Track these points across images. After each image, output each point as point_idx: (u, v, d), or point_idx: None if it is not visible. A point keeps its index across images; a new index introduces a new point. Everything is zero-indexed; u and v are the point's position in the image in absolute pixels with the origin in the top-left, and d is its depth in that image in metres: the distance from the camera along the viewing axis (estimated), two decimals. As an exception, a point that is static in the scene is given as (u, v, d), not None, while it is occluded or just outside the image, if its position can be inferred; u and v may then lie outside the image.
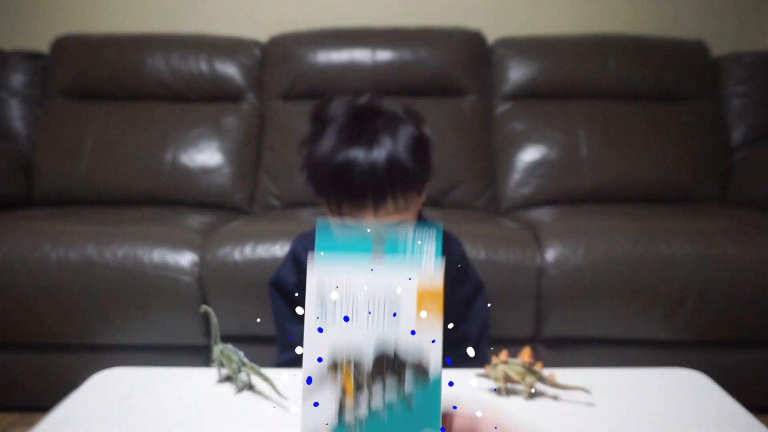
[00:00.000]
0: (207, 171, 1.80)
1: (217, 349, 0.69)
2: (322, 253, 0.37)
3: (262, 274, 1.26)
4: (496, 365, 0.66)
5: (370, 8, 2.10)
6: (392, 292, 0.36)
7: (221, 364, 0.69)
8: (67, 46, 1.93)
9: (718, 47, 2.01)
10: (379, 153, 0.78)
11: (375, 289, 0.36)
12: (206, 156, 1.81)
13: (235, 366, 0.67)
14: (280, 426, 0.60)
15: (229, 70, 1.90)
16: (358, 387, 0.35)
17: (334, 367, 0.36)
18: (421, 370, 0.35)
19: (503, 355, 0.66)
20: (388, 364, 0.35)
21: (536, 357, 0.66)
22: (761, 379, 1.34)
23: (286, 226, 1.39)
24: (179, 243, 1.33)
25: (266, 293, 1.01)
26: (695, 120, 1.85)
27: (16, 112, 1.92)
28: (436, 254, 0.37)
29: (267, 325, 1.31)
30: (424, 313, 0.36)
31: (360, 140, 0.79)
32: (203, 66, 1.89)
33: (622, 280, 1.26)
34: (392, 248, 0.37)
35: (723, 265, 1.26)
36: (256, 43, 1.97)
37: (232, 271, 1.28)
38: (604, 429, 0.59)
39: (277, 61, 1.91)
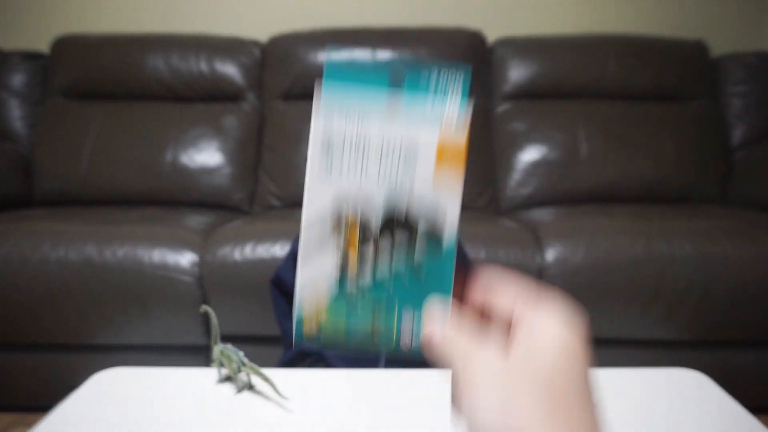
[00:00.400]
0: (207, 171, 1.80)
1: (217, 349, 0.69)
2: (328, 89, 0.32)
3: (262, 274, 1.26)
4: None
5: (370, 8, 2.10)
6: (409, 141, 0.31)
7: (221, 364, 0.69)
8: (67, 46, 1.94)
9: (718, 47, 2.01)
10: None
11: (390, 135, 0.31)
12: (206, 156, 1.81)
13: (235, 366, 0.67)
14: (280, 426, 0.60)
15: (229, 70, 1.90)
16: (363, 250, 0.31)
17: (338, 223, 0.31)
18: (434, 236, 0.31)
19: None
20: (398, 226, 0.31)
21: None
22: (761, 379, 1.34)
23: (286, 226, 1.39)
24: (179, 243, 1.33)
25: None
26: (695, 120, 1.85)
27: (16, 112, 1.92)
28: (462, 99, 0.31)
29: (267, 325, 1.32)
30: (443, 170, 0.31)
31: None
32: (203, 66, 1.89)
33: (622, 280, 1.26)
34: (413, 86, 0.32)
35: (723, 265, 1.26)
36: (256, 43, 1.97)
37: (232, 271, 1.28)
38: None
39: (277, 61, 1.91)
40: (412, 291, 0.31)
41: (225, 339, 0.70)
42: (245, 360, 0.67)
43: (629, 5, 2.11)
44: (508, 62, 1.91)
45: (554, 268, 1.27)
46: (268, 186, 1.83)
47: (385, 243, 0.31)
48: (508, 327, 0.29)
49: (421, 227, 0.31)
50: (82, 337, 1.32)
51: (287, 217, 1.57)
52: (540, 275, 1.28)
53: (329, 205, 0.31)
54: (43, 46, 1.99)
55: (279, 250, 1.29)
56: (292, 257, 0.96)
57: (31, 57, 1.97)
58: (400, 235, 0.31)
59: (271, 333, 1.32)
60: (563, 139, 1.81)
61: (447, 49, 1.88)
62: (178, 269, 1.29)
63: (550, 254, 1.29)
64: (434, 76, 0.31)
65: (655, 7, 2.10)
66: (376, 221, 0.31)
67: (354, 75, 0.31)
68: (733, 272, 1.26)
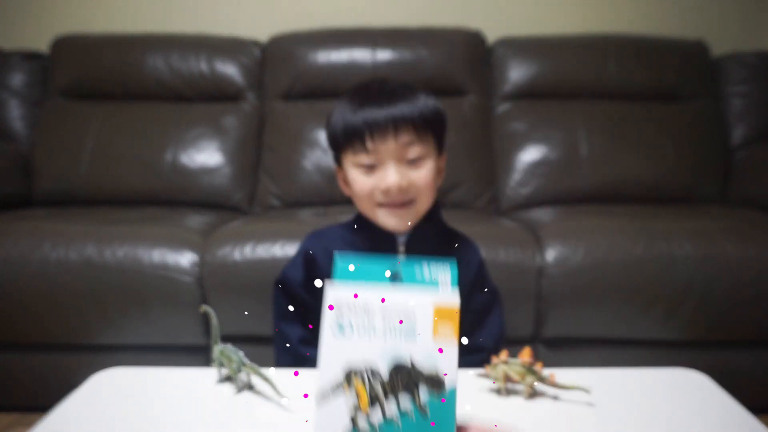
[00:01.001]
0: (207, 171, 1.80)
1: (217, 349, 0.69)
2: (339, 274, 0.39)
3: (262, 274, 1.26)
4: (496, 365, 0.66)
5: (370, 8, 2.10)
6: (408, 308, 0.38)
7: (221, 364, 0.69)
8: (66, 46, 1.94)
9: (719, 47, 2.01)
10: (396, 83, 0.87)
11: (392, 304, 0.38)
12: (206, 156, 1.81)
13: (235, 366, 0.67)
14: (280, 426, 0.60)
15: (229, 70, 1.90)
16: (373, 396, 0.36)
17: (349, 376, 0.37)
18: (436, 382, 0.37)
19: (503, 355, 0.66)
20: (404, 375, 0.36)
21: (536, 357, 0.66)
22: (761, 379, 1.34)
23: (286, 226, 1.39)
24: (179, 243, 1.33)
25: (268, 292, 1.00)
26: (695, 120, 1.85)
27: (15, 112, 1.92)
28: (452, 284, 0.40)
29: (267, 325, 1.32)
30: (440, 326, 0.37)
31: (380, 91, 0.85)
32: (203, 66, 1.89)
33: (622, 280, 1.26)
34: (409, 279, 0.40)
35: (723, 265, 1.26)
36: (256, 43, 1.97)
37: (232, 271, 1.28)
38: (603, 429, 0.59)
39: (277, 61, 1.91)
40: (419, 427, 0.36)
41: (225, 339, 0.70)
42: (245, 360, 0.67)
43: (629, 5, 2.11)
44: (508, 62, 1.91)
45: (554, 268, 1.27)
46: (268, 186, 1.83)
47: (393, 385, 0.36)
48: None
49: (425, 374, 0.37)
50: (82, 337, 1.32)
51: (287, 217, 1.57)
52: (540, 275, 1.28)
53: (341, 363, 0.37)
54: (43, 46, 1.99)
55: (279, 250, 1.29)
56: (303, 255, 0.93)
57: (31, 57, 1.97)
58: (406, 380, 0.36)
59: (271, 333, 1.32)
60: (563, 139, 1.81)
61: (447, 49, 1.88)
62: (178, 269, 1.29)
63: (550, 254, 1.29)
64: (426, 269, 0.40)
65: (655, 7, 2.10)
66: (383, 374, 0.37)
67: (359, 272, 0.40)
68: (733, 272, 1.26)
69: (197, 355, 1.35)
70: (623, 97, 1.88)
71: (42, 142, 1.85)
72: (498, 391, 0.66)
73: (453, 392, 0.36)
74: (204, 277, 1.29)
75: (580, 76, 1.88)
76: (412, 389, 0.36)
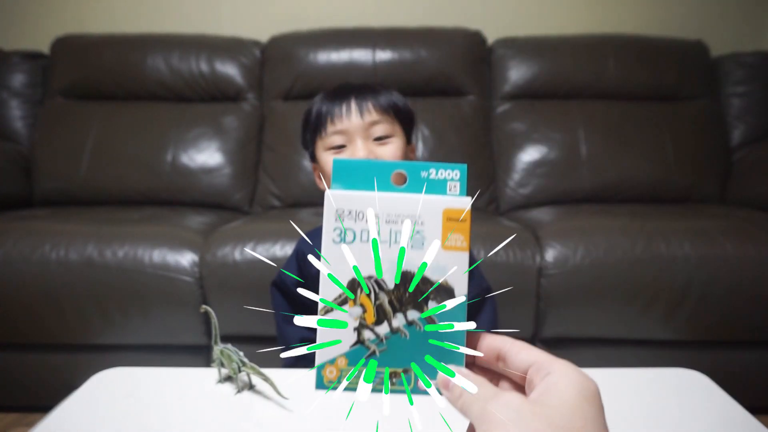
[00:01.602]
0: (207, 171, 1.80)
1: (217, 349, 0.69)
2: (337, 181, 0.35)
3: (262, 274, 1.26)
4: (496, 365, 0.66)
5: (370, 8, 2.10)
6: (415, 211, 0.34)
7: (221, 364, 0.69)
8: (67, 46, 1.94)
9: (718, 47, 2.01)
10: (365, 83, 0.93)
11: (396, 207, 0.34)
12: (206, 156, 1.81)
13: (235, 366, 0.67)
14: (280, 426, 0.60)
15: (230, 70, 1.90)
16: (378, 305, 0.34)
17: (353, 284, 0.34)
18: (445, 290, 0.34)
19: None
20: (415, 289, 0.34)
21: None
22: (761, 379, 1.34)
23: (286, 226, 1.39)
24: (179, 243, 1.33)
25: (268, 293, 1.01)
26: (695, 120, 1.86)
27: (16, 112, 1.92)
28: (461, 191, 0.36)
29: (267, 325, 1.32)
30: (450, 231, 0.34)
31: (347, 86, 0.91)
32: (203, 66, 1.89)
33: (622, 280, 1.26)
34: (414, 186, 0.36)
35: (723, 265, 1.26)
36: (256, 43, 1.97)
37: (232, 271, 1.28)
38: (604, 429, 0.59)
39: (277, 61, 1.91)
40: (427, 339, 0.34)
41: (225, 339, 0.70)
42: (245, 360, 0.67)
43: (629, 5, 2.11)
44: (508, 62, 1.91)
45: (554, 268, 1.28)
46: (268, 186, 1.83)
47: (400, 296, 0.34)
48: (518, 384, 0.31)
49: (434, 282, 0.34)
50: (82, 337, 1.32)
51: (287, 217, 1.57)
52: (540, 275, 1.28)
53: (345, 271, 0.34)
54: (43, 46, 1.99)
55: (279, 250, 1.29)
56: (294, 256, 0.96)
57: (31, 57, 1.97)
58: (414, 289, 0.34)
59: (271, 333, 1.32)
60: (563, 139, 1.81)
61: (447, 49, 1.88)
62: (178, 269, 1.29)
63: (550, 254, 1.29)
64: (433, 171, 0.36)
65: (655, 7, 2.10)
66: (390, 277, 0.34)
67: (360, 176, 0.35)
68: (732, 272, 1.26)
69: (197, 355, 1.35)
70: (623, 97, 1.88)
71: (42, 142, 1.85)
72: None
73: (463, 303, 0.34)
74: (204, 277, 1.29)
75: (580, 76, 1.88)
76: (419, 299, 0.33)
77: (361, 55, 1.87)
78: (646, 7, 2.11)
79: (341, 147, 0.87)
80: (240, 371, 0.67)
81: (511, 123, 1.87)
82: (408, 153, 0.93)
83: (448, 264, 0.34)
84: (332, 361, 0.35)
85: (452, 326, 0.34)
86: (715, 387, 0.69)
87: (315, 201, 1.77)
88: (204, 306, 0.77)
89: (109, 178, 1.78)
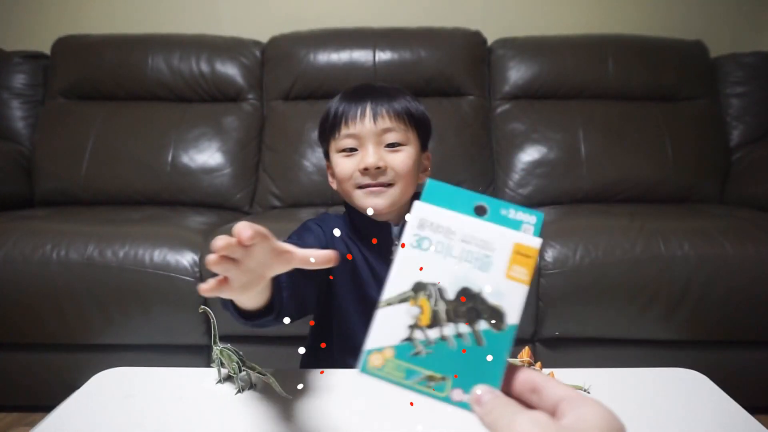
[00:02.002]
0: (207, 171, 1.80)
1: (217, 349, 0.69)
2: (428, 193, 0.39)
3: (263, 274, 1.26)
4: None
5: (370, 8, 2.10)
6: (489, 239, 0.37)
7: (221, 364, 0.69)
8: (67, 46, 1.94)
9: (717, 48, 2.01)
10: (384, 85, 0.92)
11: (474, 232, 0.37)
12: (206, 156, 1.81)
13: (235, 366, 0.67)
14: (280, 425, 0.60)
15: (230, 70, 1.90)
16: (435, 311, 0.36)
17: (417, 289, 0.37)
18: (498, 315, 0.36)
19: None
20: (470, 299, 0.36)
21: (535, 357, 0.66)
22: (761, 379, 1.34)
23: (286, 226, 1.39)
24: (180, 243, 1.33)
25: None
26: (694, 120, 1.86)
27: (17, 112, 1.92)
28: (536, 232, 0.38)
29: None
30: (516, 264, 0.37)
31: (366, 88, 0.90)
32: (204, 66, 1.89)
33: (622, 279, 1.26)
34: (495, 215, 0.38)
35: (722, 264, 1.26)
36: (256, 44, 1.97)
37: (232, 271, 1.28)
38: (603, 429, 0.59)
39: (277, 61, 1.91)
40: (471, 354, 0.36)
41: (225, 339, 0.71)
42: (245, 359, 0.67)
43: (629, 6, 2.11)
44: (507, 62, 1.91)
45: (554, 268, 1.28)
46: (268, 186, 1.83)
47: (456, 308, 0.36)
48: (550, 411, 0.32)
49: (489, 304, 0.36)
50: (82, 337, 1.32)
51: (287, 217, 1.57)
52: (539, 275, 1.28)
53: (414, 270, 0.37)
54: (44, 46, 1.99)
55: (279, 250, 1.29)
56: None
57: (32, 57, 1.97)
58: (471, 306, 0.36)
59: (270, 333, 1.33)
60: (563, 139, 1.81)
61: (447, 50, 1.89)
62: (178, 269, 1.29)
63: (550, 254, 1.29)
64: (513, 210, 0.38)
65: (655, 7, 2.10)
66: (451, 293, 0.37)
67: (448, 197, 0.39)
68: (732, 272, 1.26)
69: (197, 355, 1.35)
70: (623, 97, 1.88)
71: (43, 142, 1.86)
72: (497, 391, 0.67)
73: (513, 328, 0.36)
74: (204, 277, 1.29)
75: (579, 76, 1.88)
76: (473, 316, 0.36)
77: (361, 55, 1.88)
78: (646, 7, 2.11)
79: (352, 150, 0.86)
80: (240, 371, 0.67)
81: (511, 123, 1.87)
82: (423, 161, 0.92)
83: (507, 292, 0.36)
84: (380, 349, 0.37)
85: (500, 354, 0.36)
86: (714, 387, 0.69)
87: (315, 201, 1.77)
88: (203, 306, 0.77)
89: (110, 178, 1.79)
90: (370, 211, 0.84)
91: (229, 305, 0.63)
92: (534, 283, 1.28)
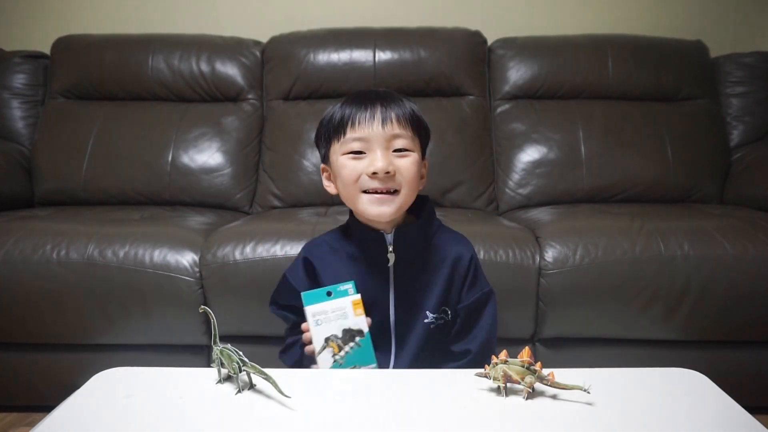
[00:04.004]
0: (207, 171, 1.80)
1: (217, 349, 0.69)
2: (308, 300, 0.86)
3: (262, 274, 1.26)
4: (495, 365, 0.66)
5: (370, 8, 2.10)
6: (340, 305, 0.85)
7: (221, 364, 0.69)
8: (67, 46, 1.94)
9: (717, 48, 2.01)
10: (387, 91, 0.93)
11: (334, 306, 0.85)
12: (207, 156, 1.81)
13: (235, 366, 0.67)
14: (281, 425, 0.60)
15: (230, 70, 1.90)
16: (339, 345, 0.83)
17: (327, 340, 0.84)
18: (360, 331, 0.84)
19: (503, 354, 0.67)
20: (349, 334, 0.84)
21: (535, 357, 0.66)
22: (760, 379, 1.34)
23: (286, 226, 1.40)
24: (180, 243, 1.33)
25: (267, 291, 1.01)
26: (694, 120, 1.86)
27: (17, 112, 1.92)
28: (354, 292, 0.86)
29: (267, 325, 1.32)
30: (356, 309, 0.85)
31: (373, 93, 0.91)
32: (204, 66, 1.89)
33: (621, 279, 1.26)
34: (336, 292, 0.86)
35: (722, 264, 1.26)
36: (256, 43, 1.97)
37: (232, 271, 1.28)
38: (603, 429, 0.59)
39: (277, 61, 1.92)
40: (359, 351, 0.84)
41: (225, 339, 0.71)
42: (245, 359, 0.67)
43: (629, 6, 2.11)
44: (507, 62, 1.91)
45: (554, 268, 1.28)
46: (268, 186, 1.83)
47: (344, 339, 0.84)
48: None
49: (356, 332, 0.84)
50: (83, 336, 1.32)
51: (287, 217, 1.57)
52: (539, 275, 1.28)
53: (321, 334, 0.84)
54: (44, 46, 1.99)
55: (279, 250, 1.29)
56: (302, 263, 0.97)
57: (32, 57, 1.97)
58: (349, 335, 0.84)
59: (271, 333, 1.33)
60: (563, 139, 1.81)
61: (447, 49, 1.89)
62: (178, 269, 1.29)
63: (550, 254, 1.29)
64: (341, 286, 0.86)
65: (654, 7, 2.10)
66: (340, 332, 0.84)
67: (315, 294, 0.86)
68: (731, 272, 1.26)
69: (198, 355, 1.36)
70: (623, 97, 1.88)
71: (43, 142, 1.86)
72: (497, 391, 0.67)
73: (368, 334, 0.84)
74: (204, 277, 1.29)
75: (579, 76, 1.88)
76: (352, 338, 0.83)
77: (361, 55, 1.88)
78: (646, 7, 2.11)
79: (359, 153, 0.86)
80: (240, 371, 0.67)
81: (511, 123, 1.87)
82: (421, 168, 0.92)
83: (359, 321, 0.85)
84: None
85: (368, 346, 0.85)
86: (713, 387, 0.69)
87: (315, 201, 1.77)
88: (203, 306, 0.77)
89: (110, 178, 1.79)
90: (373, 213, 0.87)
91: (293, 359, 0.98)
92: (534, 283, 1.28)
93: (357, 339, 0.81)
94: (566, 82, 1.88)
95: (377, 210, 0.86)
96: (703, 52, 1.94)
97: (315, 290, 0.84)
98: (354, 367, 0.82)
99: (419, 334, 0.92)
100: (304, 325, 0.86)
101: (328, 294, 0.84)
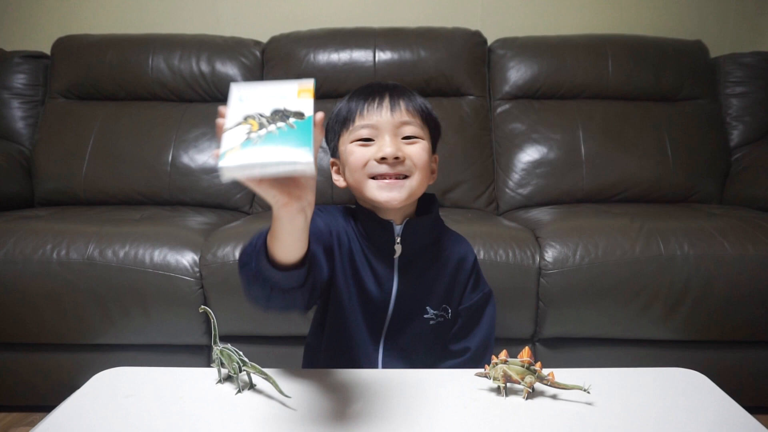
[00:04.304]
0: (207, 171, 1.80)
1: (217, 349, 0.69)
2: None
3: (263, 274, 1.26)
4: (495, 365, 0.66)
5: (370, 8, 2.10)
6: (283, 90, 0.60)
7: (221, 364, 0.69)
8: (68, 46, 1.94)
9: (717, 48, 2.01)
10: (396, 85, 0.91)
11: (274, 91, 0.60)
12: (207, 156, 1.81)
13: (235, 366, 0.67)
14: (281, 425, 0.60)
15: (230, 70, 1.90)
16: (260, 123, 0.57)
17: (246, 118, 0.57)
18: (299, 113, 0.57)
19: (503, 354, 0.67)
20: (281, 113, 0.58)
21: (535, 357, 0.66)
22: (760, 379, 1.34)
23: (286, 226, 1.39)
24: (180, 243, 1.33)
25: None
26: (694, 120, 1.86)
27: (17, 112, 1.92)
28: (311, 85, 0.60)
29: (267, 325, 1.32)
30: (302, 96, 0.59)
31: (382, 84, 0.89)
32: (204, 66, 1.89)
33: (621, 279, 1.26)
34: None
35: (721, 264, 1.26)
36: (256, 43, 1.97)
37: (232, 271, 1.28)
38: (603, 429, 0.59)
39: (277, 61, 1.92)
40: (289, 133, 0.55)
41: (225, 339, 0.71)
42: (245, 359, 0.67)
43: (629, 6, 2.11)
44: (507, 62, 1.91)
45: (554, 268, 1.28)
46: (268, 186, 1.83)
47: (273, 118, 0.57)
48: None
49: (294, 110, 0.58)
50: (83, 336, 1.32)
51: (287, 217, 1.57)
52: (539, 275, 1.28)
53: (242, 111, 0.58)
54: (44, 46, 1.99)
55: (279, 250, 1.29)
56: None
57: (32, 57, 1.97)
58: (281, 115, 0.57)
59: (270, 333, 1.33)
60: (563, 139, 1.81)
61: (447, 49, 1.89)
62: (178, 269, 1.29)
63: (550, 254, 1.29)
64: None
65: (654, 7, 2.10)
66: (268, 111, 0.57)
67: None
68: (731, 272, 1.26)
69: (198, 355, 1.36)
70: (622, 97, 1.88)
71: (43, 142, 1.86)
72: (497, 391, 0.67)
73: (310, 118, 0.57)
74: (204, 277, 1.29)
75: (579, 76, 1.88)
76: (284, 118, 0.57)
77: (361, 55, 1.88)
78: (646, 7, 2.11)
79: (368, 140, 0.84)
80: (240, 371, 0.67)
81: (511, 123, 1.87)
82: (432, 169, 0.91)
83: (302, 104, 0.58)
84: (231, 149, 0.54)
85: (307, 129, 0.56)
86: (713, 386, 0.69)
87: (315, 201, 1.77)
88: (203, 306, 0.77)
89: (110, 178, 1.79)
90: (382, 199, 0.83)
91: (263, 258, 0.67)
92: (534, 283, 1.28)
93: (291, 120, 0.56)
94: (566, 82, 1.88)
95: (386, 195, 0.83)
96: (703, 52, 1.94)
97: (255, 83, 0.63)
98: (273, 147, 0.54)
99: (416, 329, 0.90)
100: (221, 108, 0.60)
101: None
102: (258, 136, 0.55)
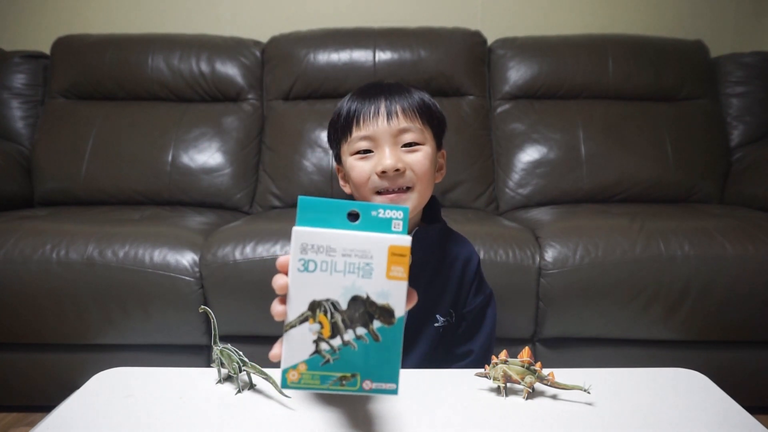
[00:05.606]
0: (207, 171, 1.80)
1: (217, 349, 0.69)
2: (302, 217, 0.44)
3: (262, 274, 1.26)
4: (495, 365, 0.66)
5: (370, 8, 2.10)
6: (366, 247, 0.42)
7: (221, 364, 0.69)
8: (67, 46, 1.94)
9: (717, 48, 2.01)
10: (395, 83, 0.87)
11: (351, 243, 0.42)
12: (206, 156, 1.81)
13: (235, 366, 0.67)
14: (281, 425, 0.60)
15: (230, 70, 1.90)
16: (333, 323, 0.42)
17: (314, 308, 0.42)
18: (387, 312, 0.42)
19: (503, 354, 0.67)
20: (362, 309, 0.42)
21: (535, 357, 0.66)
22: (761, 379, 1.34)
23: (286, 226, 1.40)
24: (180, 243, 1.33)
25: (268, 291, 0.97)
26: (694, 120, 1.86)
27: (16, 112, 1.92)
28: (404, 226, 0.43)
29: (267, 325, 1.32)
30: (393, 264, 0.42)
31: (378, 86, 0.87)
32: (204, 66, 1.89)
33: (621, 279, 1.26)
34: (365, 222, 0.43)
35: (722, 264, 1.26)
36: (256, 43, 1.97)
37: (232, 271, 1.29)
38: (603, 429, 0.59)
39: (277, 61, 1.92)
40: (371, 349, 0.42)
41: (225, 339, 0.71)
42: (245, 359, 0.67)
43: (629, 6, 2.11)
44: (507, 62, 1.91)
45: (554, 268, 1.28)
46: (268, 186, 1.83)
47: (351, 316, 0.42)
48: None
49: (379, 305, 0.42)
50: (83, 337, 1.32)
51: (287, 217, 1.57)
52: (539, 275, 1.28)
53: (307, 292, 0.42)
54: (44, 46, 2.00)
55: (279, 250, 1.29)
56: None
57: (32, 57, 1.97)
58: (362, 311, 0.42)
59: (270, 333, 1.33)
60: (563, 139, 1.81)
61: (447, 49, 1.89)
62: (178, 269, 1.29)
63: (550, 254, 1.29)
64: (381, 212, 0.43)
65: (654, 7, 2.11)
66: (343, 300, 0.42)
67: (321, 216, 0.43)
68: (731, 272, 1.26)
69: (198, 355, 1.36)
70: (623, 97, 1.88)
71: (43, 142, 1.86)
72: (497, 391, 0.67)
73: (401, 320, 0.42)
74: (204, 277, 1.29)
75: (579, 77, 1.88)
76: (366, 319, 0.42)
77: (361, 55, 1.88)
78: (646, 7, 2.11)
79: (367, 152, 0.82)
80: (240, 371, 0.67)
81: (511, 123, 1.87)
82: (438, 159, 0.88)
83: (391, 291, 0.42)
84: (295, 366, 0.43)
85: (395, 343, 0.42)
86: (713, 387, 0.69)
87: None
88: (203, 306, 0.77)
89: (110, 178, 1.79)
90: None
91: None
92: (534, 283, 1.28)
93: (375, 324, 0.41)
94: (566, 82, 1.88)
95: None
96: (703, 52, 1.94)
97: (327, 199, 0.44)
98: (343, 384, 0.43)
99: (429, 339, 0.89)
100: (280, 261, 0.48)
101: (353, 217, 0.44)
102: (331, 351, 0.42)
